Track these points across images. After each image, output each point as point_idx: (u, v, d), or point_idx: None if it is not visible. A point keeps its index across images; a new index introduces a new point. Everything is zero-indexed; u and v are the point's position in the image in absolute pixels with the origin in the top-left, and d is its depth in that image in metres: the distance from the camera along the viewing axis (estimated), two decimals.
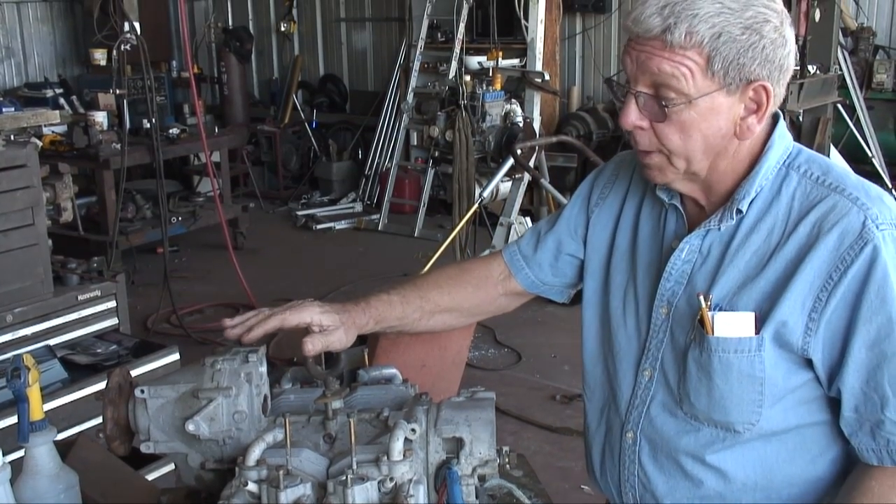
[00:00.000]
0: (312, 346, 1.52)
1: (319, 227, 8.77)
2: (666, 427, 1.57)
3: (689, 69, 1.37)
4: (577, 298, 1.83)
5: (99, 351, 3.51)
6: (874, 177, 8.83)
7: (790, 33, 1.41)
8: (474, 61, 8.53)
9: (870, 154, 8.87)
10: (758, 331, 1.44)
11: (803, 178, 1.48)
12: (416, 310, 1.73)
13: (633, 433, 1.61)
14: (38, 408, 1.51)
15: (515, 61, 8.57)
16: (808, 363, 1.46)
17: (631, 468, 1.62)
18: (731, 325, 1.45)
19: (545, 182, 6.32)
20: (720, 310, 1.47)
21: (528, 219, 7.16)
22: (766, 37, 1.38)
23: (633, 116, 1.44)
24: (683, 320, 1.53)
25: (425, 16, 8.85)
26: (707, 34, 1.35)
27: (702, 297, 1.47)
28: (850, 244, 1.39)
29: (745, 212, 1.48)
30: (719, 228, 1.51)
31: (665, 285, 1.56)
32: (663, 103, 1.40)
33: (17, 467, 1.49)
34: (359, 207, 9.46)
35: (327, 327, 1.54)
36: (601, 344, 1.70)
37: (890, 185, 8.74)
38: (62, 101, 8.49)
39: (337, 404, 1.47)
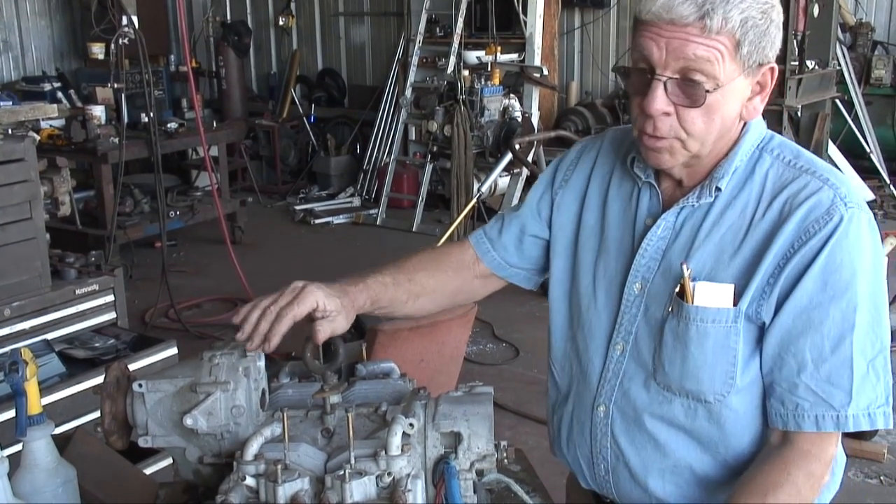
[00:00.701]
0: (322, 333, 1.52)
1: (317, 221, 8.77)
2: (639, 399, 1.60)
3: (721, 54, 1.41)
4: (544, 288, 1.85)
5: (97, 345, 3.51)
6: (872, 172, 8.84)
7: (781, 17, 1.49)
8: (473, 56, 8.52)
9: (868, 149, 8.87)
10: (735, 303, 1.49)
11: (776, 160, 1.54)
12: (405, 292, 1.74)
13: (606, 406, 1.64)
14: (36, 402, 1.51)
15: (514, 56, 8.56)
16: None
17: (603, 441, 1.65)
18: (711, 296, 1.49)
19: None
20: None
21: None
22: (774, 21, 1.45)
23: (660, 103, 1.45)
24: (659, 294, 1.56)
25: (424, 10, 8.84)
26: (737, 20, 1.40)
27: (685, 266, 1.51)
28: (817, 217, 1.44)
29: (723, 189, 1.53)
30: (695, 206, 1.55)
31: (640, 261, 1.59)
32: (707, 89, 1.42)
33: (14, 461, 1.49)
34: (357, 202, 9.45)
35: (331, 312, 1.54)
36: (569, 321, 1.73)
37: (888, 181, 8.75)
38: (60, 95, 8.47)
39: (335, 399, 1.47)
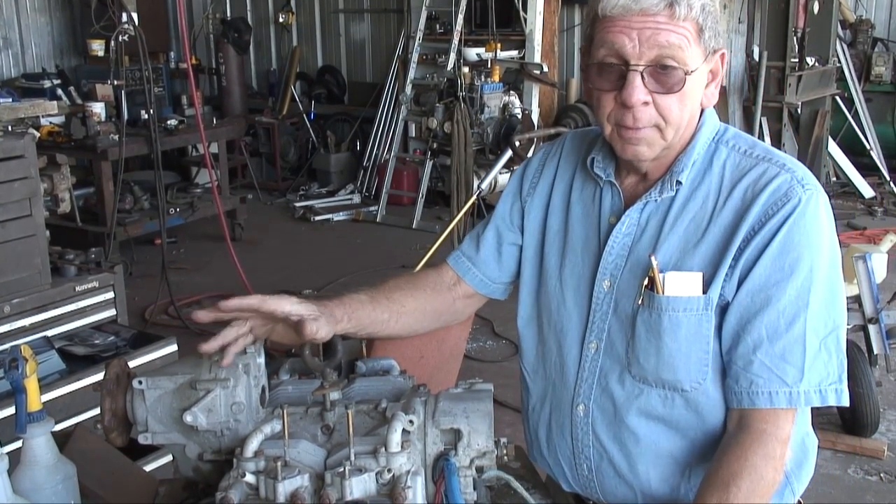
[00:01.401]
0: (309, 329, 1.48)
1: (317, 218, 8.77)
2: (616, 394, 1.61)
3: (688, 40, 1.46)
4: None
5: (97, 342, 3.51)
6: (872, 169, 8.84)
7: None
8: (473, 53, 8.52)
9: (868, 146, 8.87)
10: (705, 290, 1.51)
11: (732, 150, 1.58)
12: (385, 310, 1.72)
13: (585, 405, 1.65)
14: (36, 399, 1.51)
15: (514, 53, 8.56)
16: None
17: (585, 440, 1.66)
18: (680, 285, 1.52)
19: None
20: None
21: None
22: (717, 8, 1.51)
23: (640, 93, 1.47)
24: (628, 289, 1.58)
25: (424, 7, 8.84)
26: (698, 5, 1.45)
27: (653, 258, 1.53)
28: (776, 199, 1.49)
29: (683, 183, 1.56)
30: (658, 200, 1.58)
31: (607, 259, 1.61)
32: (685, 72, 1.46)
33: (14, 458, 1.49)
34: (357, 199, 9.45)
35: (309, 316, 1.51)
36: (538, 326, 1.75)
37: (888, 177, 8.75)
38: (60, 91, 8.47)
39: (335, 395, 1.47)
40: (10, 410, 2.35)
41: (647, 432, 1.61)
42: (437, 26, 9.05)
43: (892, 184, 8.73)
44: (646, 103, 1.48)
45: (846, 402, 1.50)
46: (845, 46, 8.90)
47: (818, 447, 1.74)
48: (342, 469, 1.29)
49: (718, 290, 1.50)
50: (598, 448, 1.65)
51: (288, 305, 1.49)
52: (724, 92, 7.50)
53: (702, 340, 1.53)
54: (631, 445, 1.62)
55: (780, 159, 1.55)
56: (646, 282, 1.55)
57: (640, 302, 1.56)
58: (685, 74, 1.46)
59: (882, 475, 3.97)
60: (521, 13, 8.47)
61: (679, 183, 1.56)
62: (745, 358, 1.50)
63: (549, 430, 1.73)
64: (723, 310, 1.52)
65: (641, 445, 1.61)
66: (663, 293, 1.52)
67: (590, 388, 1.64)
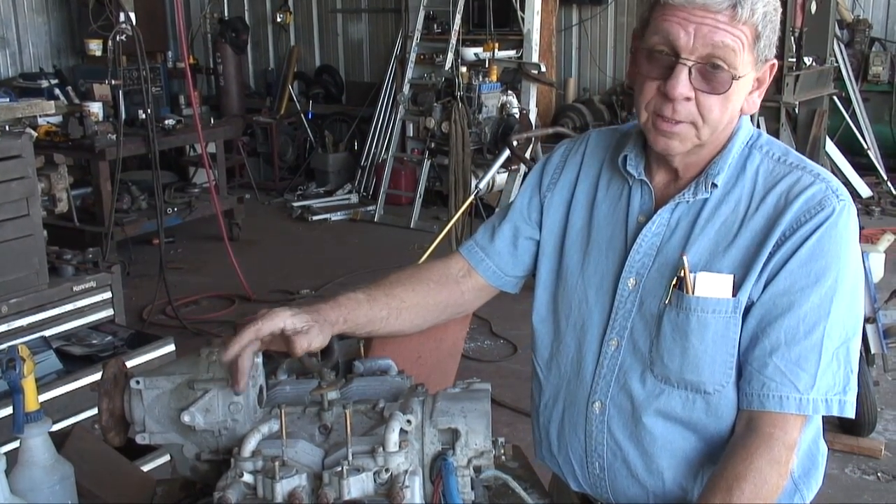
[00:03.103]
0: (299, 345, 1.48)
1: (315, 218, 8.76)
2: (636, 393, 1.61)
3: (743, 44, 1.45)
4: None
5: (94, 342, 3.51)
6: (870, 169, 8.85)
7: None
8: (470, 52, 8.52)
9: (865, 146, 8.88)
10: (734, 294, 1.51)
11: (765, 157, 1.58)
12: (384, 307, 1.71)
13: (602, 402, 1.64)
14: (33, 399, 1.51)
15: (512, 53, 8.56)
16: None
17: (599, 438, 1.65)
18: (711, 286, 1.52)
19: None
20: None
21: None
22: (778, 19, 1.50)
23: (684, 87, 1.47)
24: (655, 289, 1.58)
25: (421, 7, 8.84)
26: (761, 12, 1.45)
27: (685, 258, 1.53)
28: (810, 207, 1.49)
29: (718, 185, 1.56)
30: (690, 201, 1.57)
31: (634, 258, 1.61)
32: (734, 75, 1.46)
33: (12, 458, 1.49)
34: (355, 199, 9.45)
35: (301, 328, 1.50)
36: (555, 323, 1.73)
37: (885, 177, 8.76)
38: (57, 91, 8.45)
39: (333, 395, 1.47)
40: (8, 410, 2.35)
41: (664, 432, 1.60)
42: (435, 26, 9.06)
43: (889, 183, 8.74)
44: (688, 98, 1.48)
45: (851, 414, 1.50)
46: (843, 46, 8.90)
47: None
48: (340, 469, 1.28)
49: (748, 294, 1.50)
50: (612, 446, 1.65)
51: (281, 322, 1.48)
52: None
53: (728, 343, 1.52)
54: (647, 444, 1.61)
55: (814, 168, 1.55)
56: (674, 281, 1.54)
57: (667, 301, 1.55)
58: (733, 78, 1.46)
59: (879, 474, 3.98)
60: (519, 13, 8.47)
61: (714, 185, 1.55)
62: (760, 360, 1.50)
63: (562, 427, 1.72)
64: (746, 311, 1.52)
65: (657, 445, 1.61)
66: (693, 293, 1.52)
67: (607, 386, 1.63)
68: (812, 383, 1.47)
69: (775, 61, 1.54)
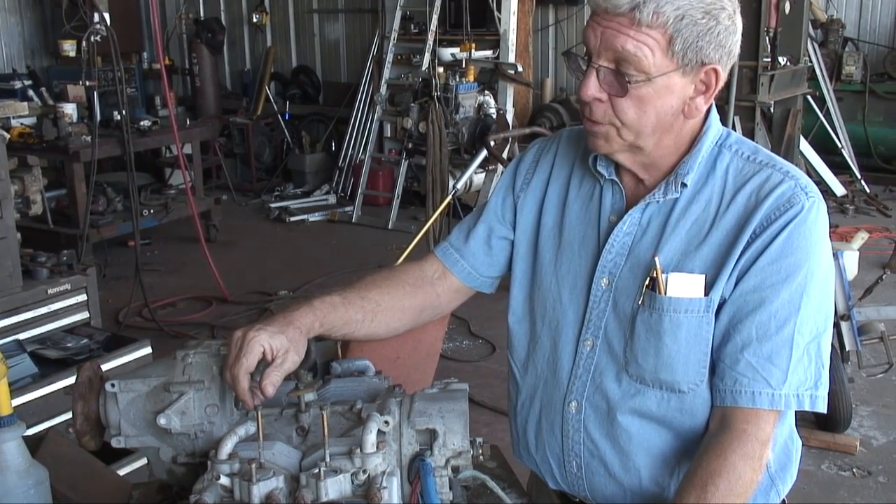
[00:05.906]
0: (273, 385, 1.44)
1: (293, 219, 8.74)
2: (611, 392, 1.61)
3: (650, 48, 1.44)
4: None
5: (69, 345, 3.48)
6: (843, 167, 8.93)
7: (740, 22, 1.50)
8: (447, 53, 8.52)
9: (839, 145, 8.96)
10: (707, 293, 1.52)
11: (735, 155, 1.59)
12: (359, 310, 1.69)
13: (578, 402, 1.65)
14: (7, 403, 1.50)
15: (488, 53, 8.57)
16: None
17: (576, 437, 1.66)
18: (683, 286, 1.53)
19: None
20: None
21: None
22: (722, 23, 1.46)
23: (592, 89, 1.50)
24: (628, 288, 1.59)
25: (398, 7, 8.84)
26: (672, 15, 1.43)
27: (657, 259, 1.54)
28: (780, 205, 1.50)
29: (688, 185, 1.57)
30: (660, 201, 1.58)
31: (606, 257, 1.62)
32: (626, 79, 1.46)
33: None
34: (332, 199, 9.43)
35: (279, 351, 1.47)
36: (531, 322, 1.74)
37: (859, 175, 8.85)
38: (31, 92, 8.37)
39: (310, 397, 1.47)
40: None
41: (640, 431, 1.61)
42: (412, 26, 9.06)
43: (862, 182, 8.82)
44: (599, 100, 1.51)
45: (822, 409, 1.51)
46: (816, 46, 8.98)
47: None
48: (317, 470, 1.28)
49: (720, 293, 1.51)
50: (588, 445, 1.65)
51: (260, 348, 1.45)
52: None
53: (701, 342, 1.53)
54: (623, 443, 1.62)
55: (784, 166, 1.56)
56: (647, 282, 1.55)
57: (640, 302, 1.56)
58: (630, 82, 1.46)
59: (855, 470, 4.01)
60: (496, 13, 8.49)
61: (684, 185, 1.56)
62: (732, 356, 1.51)
63: (539, 426, 1.73)
64: (718, 309, 1.53)
65: (633, 443, 1.62)
66: (665, 294, 1.53)
67: (583, 386, 1.64)
68: (784, 378, 1.48)
69: (718, 67, 1.49)
